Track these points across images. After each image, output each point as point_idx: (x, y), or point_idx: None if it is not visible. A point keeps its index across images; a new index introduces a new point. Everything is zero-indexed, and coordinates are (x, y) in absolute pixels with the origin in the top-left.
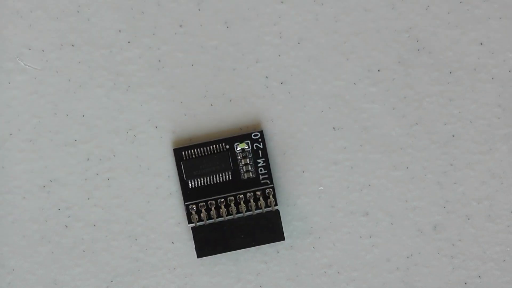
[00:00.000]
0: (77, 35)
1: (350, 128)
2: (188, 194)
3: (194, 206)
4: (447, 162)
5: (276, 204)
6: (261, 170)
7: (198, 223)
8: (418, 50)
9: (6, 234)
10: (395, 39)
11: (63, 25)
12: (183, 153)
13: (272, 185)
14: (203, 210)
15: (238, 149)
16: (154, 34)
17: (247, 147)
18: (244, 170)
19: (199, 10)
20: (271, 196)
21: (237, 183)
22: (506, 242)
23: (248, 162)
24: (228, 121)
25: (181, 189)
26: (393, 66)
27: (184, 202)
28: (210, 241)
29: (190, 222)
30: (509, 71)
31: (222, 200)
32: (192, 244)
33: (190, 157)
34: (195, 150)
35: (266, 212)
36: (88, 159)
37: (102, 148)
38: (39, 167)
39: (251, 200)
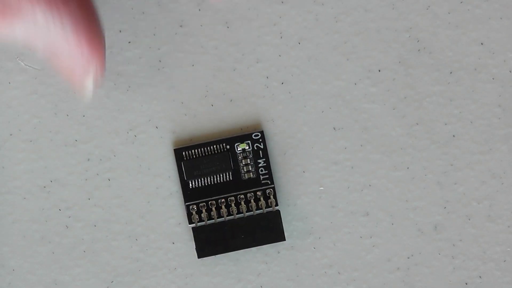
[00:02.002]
0: None
1: (351, 128)
2: (188, 194)
3: (194, 206)
4: (447, 162)
5: (276, 205)
6: (261, 170)
7: (199, 224)
8: (419, 50)
9: (6, 234)
10: (395, 39)
11: None
12: (183, 153)
13: (273, 186)
14: (203, 211)
15: (238, 149)
16: (154, 34)
17: (247, 147)
18: (245, 170)
19: (199, 10)
20: (271, 197)
21: (238, 183)
22: (506, 242)
23: (249, 162)
24: (229, 121)
25: (182, 189)
26: (394, 66)
27: (185, 203)
28: (210, 241)
29: (190, 222)
30: (510, 71)
31: (223, 200)
32: (192, 244)
33: (191, 157)
34: (196, 150)
35: (266, 212)
36: (88, 159)
37: (102, 148)
38: (39, 167)
39: (252, 201)
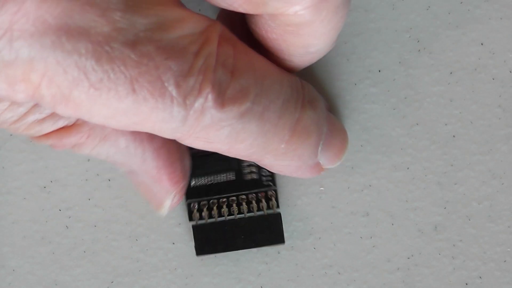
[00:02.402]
0: None
1: (351, 128)
2: (190, 192)
3: (195, 204)
4: (447, 163)
5: (278, 207)
6: (264, 172)
7: (199, 221)
8: (419, 50)
9: (6, 235)
10: (395, 40)
11: None
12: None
13: (275, 188)
14: (204, 209)
15: None
16: None
17: None
18: (248, 171)
19: (199, 10)
20: (273, 199)
21: (240, 184)
22: (506, 242)
23: (252, 163)
24: None
25: None
26: (394, 66)
27: (186, 200)
28: (210, 240)
29: (191, 219)
30: (510, 71)
31: (224, 199)
32: (193, 245)
33: (194, 155)
34: (199, 149)
35: (267, 214)
36: (88, 160)
37: None
38: (40, 168)
39: (253, 202)
